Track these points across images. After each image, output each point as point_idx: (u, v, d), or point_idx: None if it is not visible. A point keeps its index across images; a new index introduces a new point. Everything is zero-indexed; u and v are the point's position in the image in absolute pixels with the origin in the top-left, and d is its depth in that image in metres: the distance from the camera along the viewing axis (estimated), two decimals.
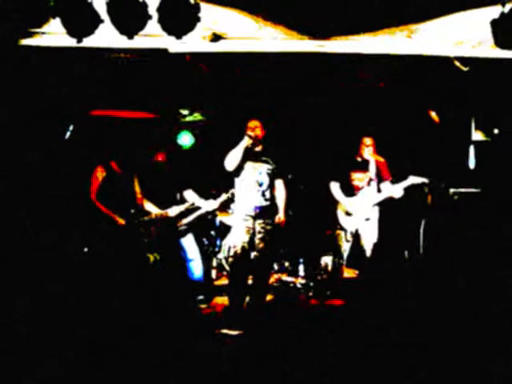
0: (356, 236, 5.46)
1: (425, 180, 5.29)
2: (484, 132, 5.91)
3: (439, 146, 5.96)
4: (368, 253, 5.35)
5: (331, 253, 5.80)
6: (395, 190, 5.35)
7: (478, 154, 5.85)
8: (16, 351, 3.52)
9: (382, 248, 5.74)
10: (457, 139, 5.96)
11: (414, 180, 5.32)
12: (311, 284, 5.86)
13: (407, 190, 5.41)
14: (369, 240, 5.37)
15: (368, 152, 5.47)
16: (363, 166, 5.51)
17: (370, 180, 5.48)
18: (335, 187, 5.50)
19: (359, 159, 5.53)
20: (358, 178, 5.47)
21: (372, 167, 5.50)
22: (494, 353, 3.64)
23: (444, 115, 6.05)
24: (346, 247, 5.56)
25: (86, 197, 4.58)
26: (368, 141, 5.48)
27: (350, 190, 5.51)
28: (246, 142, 4.68)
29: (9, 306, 4.01)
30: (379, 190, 5.47)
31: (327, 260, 5.96)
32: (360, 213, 5.41)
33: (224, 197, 5.19)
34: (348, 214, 5.49)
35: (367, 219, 5.40)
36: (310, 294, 5.72)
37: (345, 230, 5.50)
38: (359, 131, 5.67)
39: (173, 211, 5.03)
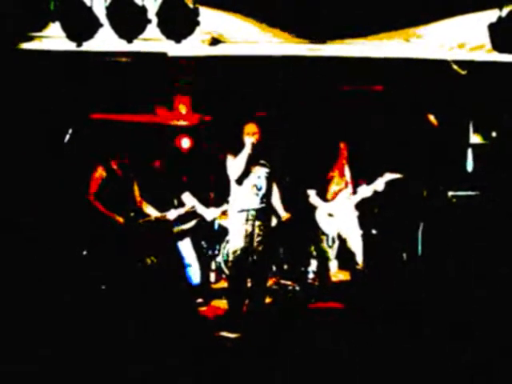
0: (341, 240, 5.49)
1: (399, 176, 5.37)
2: (482, 135, 5.93)
3: (437, 149, 5.97)
4: (358, 256, 5.34)
5: (316, 258, 5.84)
6: (373, 187, 5.39)
7: (476, 156, 5.87)
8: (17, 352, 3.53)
9: (378, 250, 5.76)
10: (455, 142, 5.99)
11: (389, 176, 5.38)
12: (297, 288, 5.89)
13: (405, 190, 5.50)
14: (354, 243, 5.37)
15: (344, 156, 5.54)
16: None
17: (347, 183, 5.52)
18: (313, 194, 5.52)
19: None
20: (335, 183, 5.52)
21: (347, 171, 5.54)
22: (495, 354, 3.65)
23: (442, 118, 6.07)
24: (329, 252, 5.60)
25: (85, 197, 4.58)
26: (342, 145, 5.55)
27: (327, 195, 5.54)
28: (249, 149, 4.62)
29: (7, 306, 4.01)
30: (355, 193, 5.50)
31: (313, 265, 6.04)
32: (340, 217, 5.44)
33: (225, 206, 5.19)
34: (328, 218, 5.50)
35: (348, 223, 5.43)
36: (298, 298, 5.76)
37: (327, 236, 5.53)
38: (336, 136, 5.68)
39: (172, 214, 5.05)
